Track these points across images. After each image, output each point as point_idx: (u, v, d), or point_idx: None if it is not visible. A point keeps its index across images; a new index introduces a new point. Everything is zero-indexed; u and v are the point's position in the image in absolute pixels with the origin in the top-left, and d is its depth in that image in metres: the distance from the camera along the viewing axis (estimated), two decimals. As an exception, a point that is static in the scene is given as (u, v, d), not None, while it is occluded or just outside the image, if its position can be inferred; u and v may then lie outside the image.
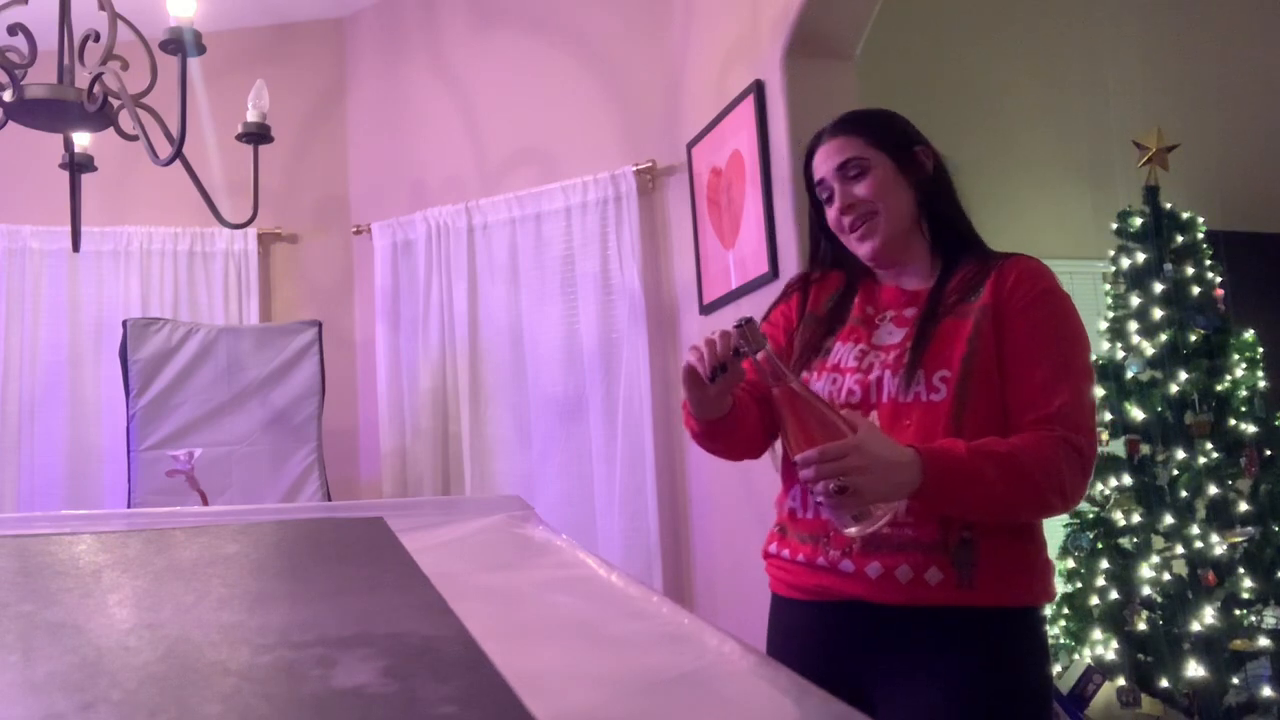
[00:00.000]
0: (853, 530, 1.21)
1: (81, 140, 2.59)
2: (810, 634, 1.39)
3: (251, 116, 2.43)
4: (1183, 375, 3.28)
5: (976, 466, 1.21)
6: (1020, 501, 1.25)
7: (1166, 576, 3.13)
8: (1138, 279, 3.49)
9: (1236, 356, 3.40)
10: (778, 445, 1.41)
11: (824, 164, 1.45)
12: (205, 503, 2.95)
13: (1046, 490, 1.25)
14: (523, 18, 3.83)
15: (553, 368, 3.57)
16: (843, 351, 1.41)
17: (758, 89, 2.82)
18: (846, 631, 1.34)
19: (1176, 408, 3.27)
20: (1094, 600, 3.30)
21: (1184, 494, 3.16)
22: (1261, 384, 3.43)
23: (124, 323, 3.52)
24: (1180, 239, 3.50)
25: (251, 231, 3.93)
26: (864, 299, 1.46)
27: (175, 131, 2.07)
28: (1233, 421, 3.27)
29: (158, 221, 3.92)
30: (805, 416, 1.19)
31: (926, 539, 1.28)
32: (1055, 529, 3.69)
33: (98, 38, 2.26)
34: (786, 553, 1.40)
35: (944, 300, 1.37)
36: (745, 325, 1.20)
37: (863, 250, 1.43)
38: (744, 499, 2.96)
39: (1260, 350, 3.50)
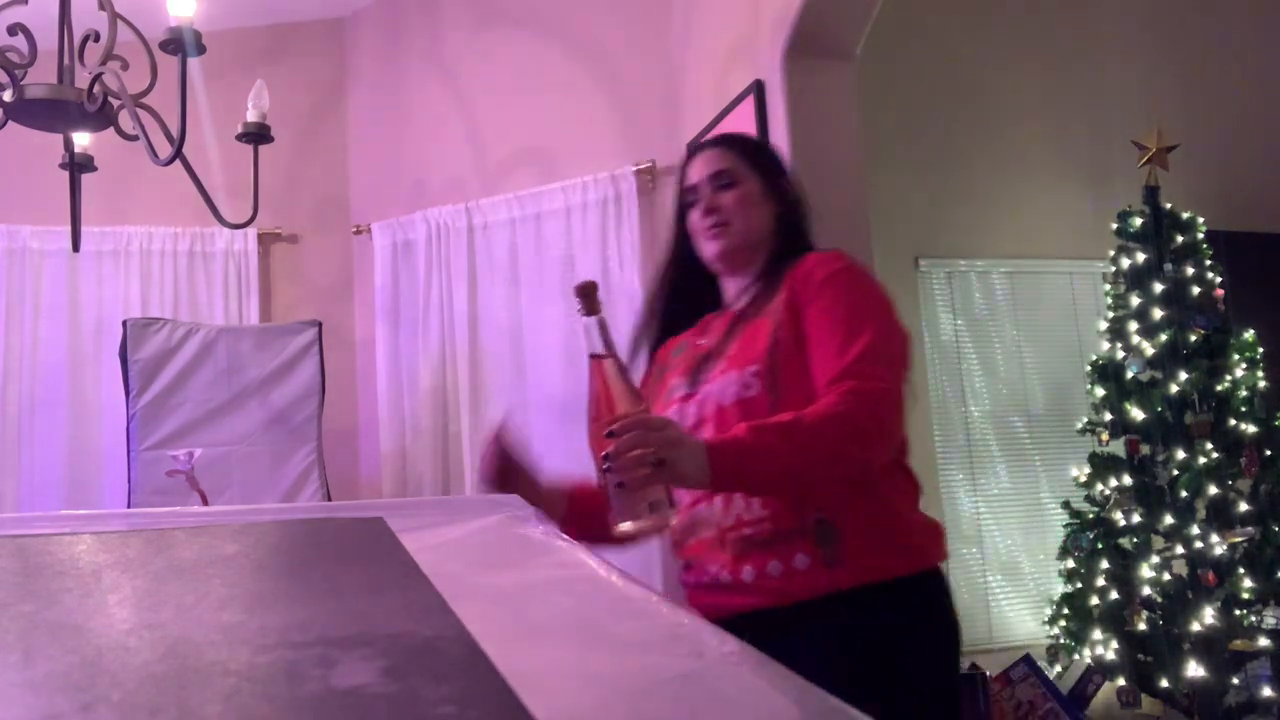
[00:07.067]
0: (635, 525, 1.14)
1: (81, 140, 2.59)
2: None
3: (251, 116, 2.43)
4: (1183, 375, 3.28)
5: (757, 439, 1.22)
6: (816, 459, 1.24)
7: (1166, 576, 3.13)
8: (1138, 279, 3.49)
9: (1236, 356, 3.40)
10: None
11: (698, 171, 1.53)
12: (205, 503, 2.94)
13: (840, 441, 1.24)
14: (523, 18, 3.83)
15: (553, 368, 3.56)
16: (678, 384, 1.47)
17: (758, 89, 2.82)
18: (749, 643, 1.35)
19: (1176, 408, 3.27)
20: (1094, 600, 3.30)
21: (1184, 494, 3.16)
22: (1261, 384, 3.43)
23: (124, 323, 3.51)
24: (1180, 239, 3.50)
25: (251, 231, 3.93)
26: (698, 332, 1.52)
27: (175, 131, 2.07)
28: (1233, 421, 3.27)
29: (158, 221, 3.92)
30: (621, 393, 1.19)
31: (786, 526, 1.30)
32: (1055, 528, 3.69)
33: (98, 38, 2.25)
34: (684, 575, 1.44)
35: (752, 298, 1.45)
36: (586, 286, 1.22)
37: (709, 250, 1.51)
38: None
39: (1260, 350, 3.50)
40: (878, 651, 1.28)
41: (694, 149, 1.58)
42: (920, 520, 1.38)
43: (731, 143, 1.56)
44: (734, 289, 1.52)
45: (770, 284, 1.44)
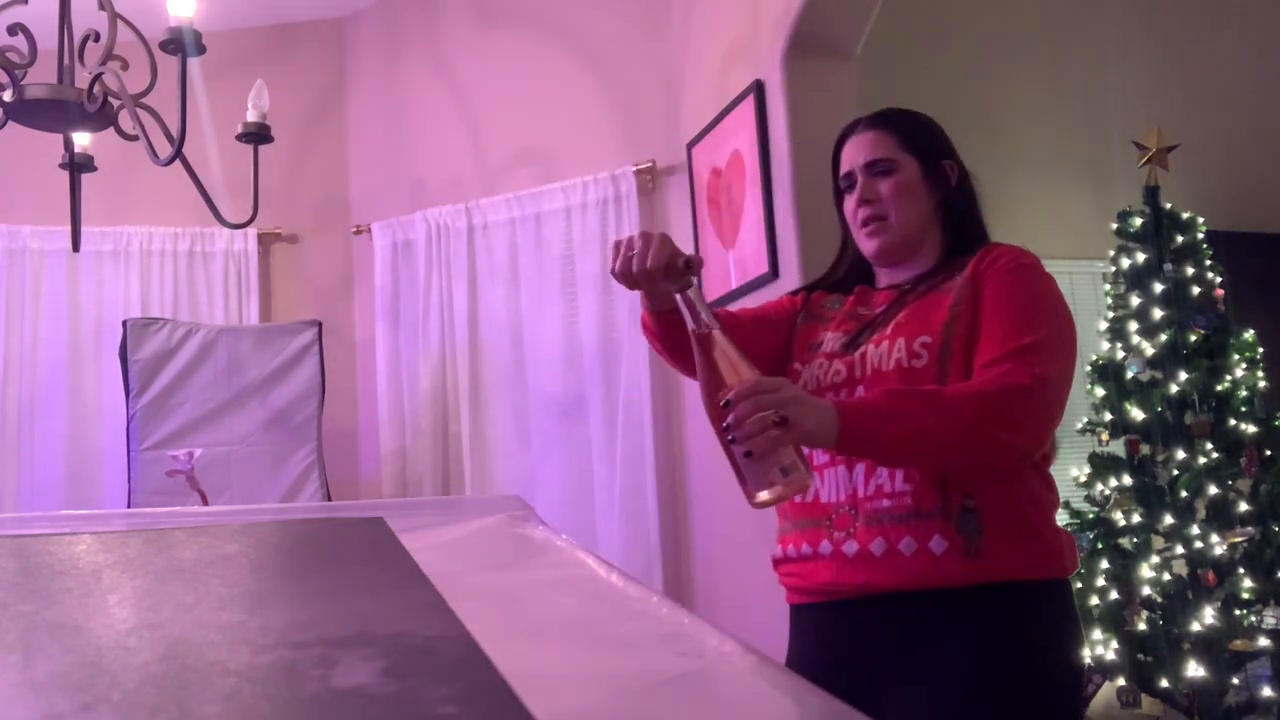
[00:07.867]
0: (771, 492, 1.12)
1: (81, 140, 2.59)
2: (821, 640, 1.37)
3: (251, 116, 2.43)
4: (1183, 375, 3.28)
5: (895, 404, 1.19)
6: (954, 433, 1.19)
7: (1166, 576, 3.13)
8: (1138, 279, 3.48)
9: (1236, 356, 3.40)
10: None
11: (853, 156, 1.46)
12: (205, 503, 2.94)
13: (982, 420, 1.19)
14: (523, 18, 3.83)
15: (553, 368, 3.57)
16: (832, 340, 1.42)
17: (758, 89, 2.82)
18: (856, 632, 1.32)
19: (1176, 408, 3.27)
20: (1094, 600, 3.29)
21: (1184, 494, 3.16)
22: (1261, 384, 3.43)
23: (124, 323, 3.51)
24: (1180, 239, 3.49)
25: (251, 231, 3.93)
26: (857, 300, 1.47)
27: (175, 131, 2.07)
28: (1233, 421, 3.27)
29: (158, 221, 3.92)
30: (731, 364, 1.16)
31: (928, 506, 1.25)
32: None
33: (98, 38, 2.25)
34: (792, 549, 1.37)
35: (927, 279, 1.40)
36: (688, 260, 1.20)
37: (867, 247, 1.45)
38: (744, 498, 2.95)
39: (1260, 350, 3.50)
40: (1015, 655, 1.25)
41: (847, 129, 1.49)
42: (1057, 527, 1.34)
43: (886, 123, 1.46)
44: (888, 280, 1.47)
45: (945, 273, 1.38)
